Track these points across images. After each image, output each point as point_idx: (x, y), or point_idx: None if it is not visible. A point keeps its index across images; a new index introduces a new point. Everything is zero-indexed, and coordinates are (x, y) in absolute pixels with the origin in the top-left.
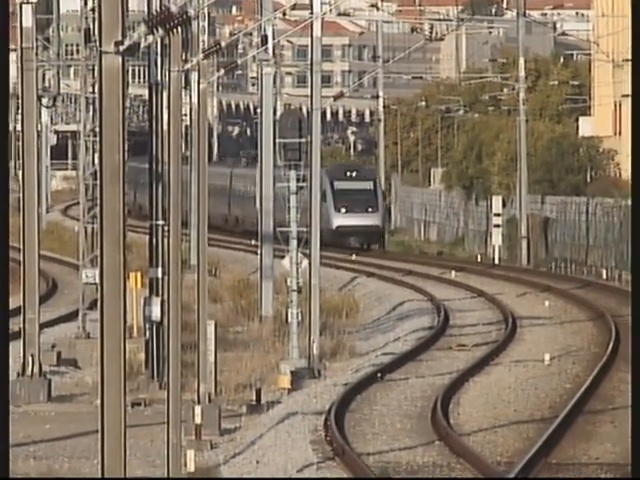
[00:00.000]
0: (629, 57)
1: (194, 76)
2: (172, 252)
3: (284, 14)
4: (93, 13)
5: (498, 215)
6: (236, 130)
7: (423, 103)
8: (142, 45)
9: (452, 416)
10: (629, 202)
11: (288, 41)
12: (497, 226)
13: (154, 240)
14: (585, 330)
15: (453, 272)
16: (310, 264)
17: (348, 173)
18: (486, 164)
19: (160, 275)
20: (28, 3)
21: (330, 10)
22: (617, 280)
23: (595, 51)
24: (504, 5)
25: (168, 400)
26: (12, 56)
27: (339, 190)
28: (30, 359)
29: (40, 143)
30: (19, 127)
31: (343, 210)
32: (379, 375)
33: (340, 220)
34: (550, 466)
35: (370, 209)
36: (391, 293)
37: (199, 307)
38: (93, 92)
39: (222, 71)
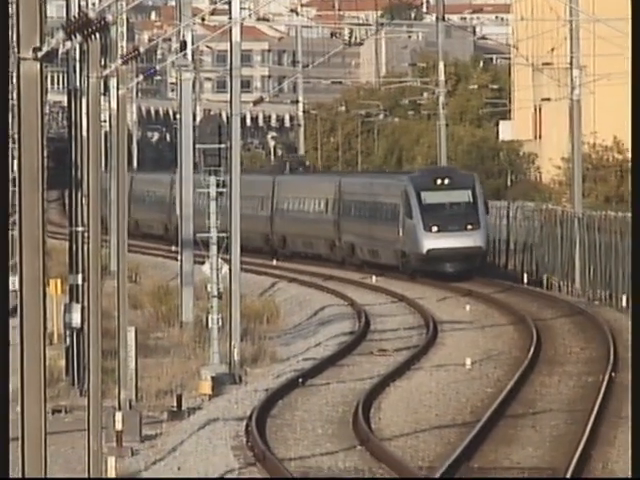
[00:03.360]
0: (548, 61)
1: (113, 82)
2: (92, 258)
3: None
4: (11, 19)
5: None
6: (156, 136)
7: (343, 108)
8: (61, 51)
9: (373, 421)
10: (550, 205)
11: (207, 46)
12: None
13: (74, 246)
14: (506, 334)
15: (374, 277)
16: (230, 270)
17: (439, 181)
18: (407, 168)
19: (80, 282)
20: None
21: (249, 15)
22: (538, 284)
23: (514, 55)
24: (423, 9)
25: (89, 407)
26: None
27: (429, 204)
28: None
29: None
30: None
31: (435, 229)
32: (300, 380)
33: (432, 242)
34: (472, 470)
35: (470, 226)
36: (312, 298)
37: (119, 313)
38: (12, 98)
39: (141, 77)
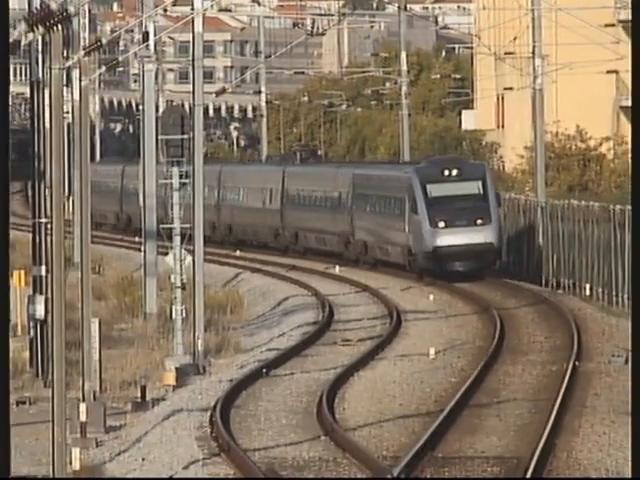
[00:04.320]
0: (511, 50)
1: (75, 73)
2: (55, 250)
3: (165, 10)
4: None
5: None
6: (118, 127)
7: (306, 98)
8: (23, 43)
9: (337, 411)
10: (512, 195)
11: (169, 37)
12: None
13: (37, 238)
14: (470, 323)
15: (337, 267)
16: (194, 260)
17: (447, 172)
18: (369, 158)
19: (44, 273)
20: None
21: (211, 6)
22: (501, 273)
23: (477, 44)
24: None
25: (53, 398)
26: None
27: (435, 197)
28: None
29: None
30: None
31: (442, 224)
32: (264, 371)
33: (439, 239)
34: (436, 460)
35: (480, 220)
36: (275, 288)
37: (83, 305)
38: None
39: (103, 68)
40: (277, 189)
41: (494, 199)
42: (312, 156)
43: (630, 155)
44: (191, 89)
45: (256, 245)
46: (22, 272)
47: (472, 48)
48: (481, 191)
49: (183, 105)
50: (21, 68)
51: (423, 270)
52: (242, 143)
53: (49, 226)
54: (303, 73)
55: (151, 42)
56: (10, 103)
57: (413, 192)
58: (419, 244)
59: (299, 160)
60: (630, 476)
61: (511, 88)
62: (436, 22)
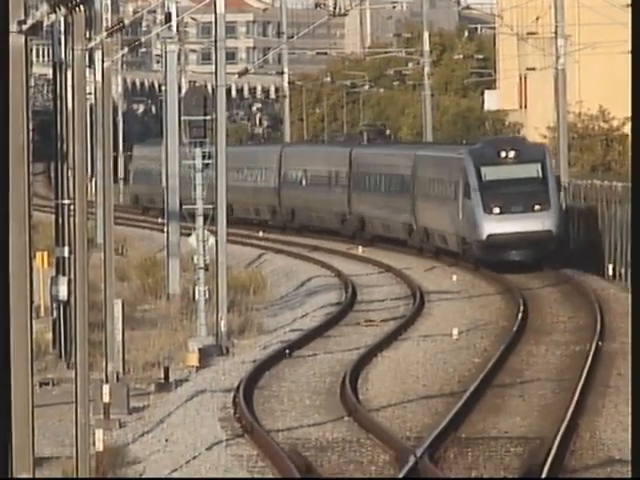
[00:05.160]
0: (533, 30)
1: (98, 54)
2: (78, 231)
3: None
4: None
5: None
6: (141, 108)
7: (328, 79)
8: (45, 24)
9: (361, 392)
10: None
11: (192, 18)
12: None
13: (60, 219)
14: (493, 304)
15: (360, 247)
16: (217, 241)
17: (503, 153)
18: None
19: (67, 254)
20: None
21: None
22: None
23: (499, 24)
24: None
25: (76, 379)
26: None
27: (490, 181)
28: None
29: None
30: None
31: (497, 210)
32: (287, 352)
33: (493, 226)
34: (460, 440)
35: (538, 206)
36: (298, 269)
37: (106, 286)
38: None
39: (126, 49)
40: (344, 172)
41: (554, 183)
42: (380, 136)
43: (630, 155)
44: (213, 70)
45: (319, 231)
46: (45, 253)
47: (494, 28)
48: (540, 174)
49: (206, 86)
50: (44, 49)
51: (478, 260)
52: (265, 124)
53: (72, 207)
54: (326, 54)
55: (173, 23)
56: (33, 84)
57: (466, 175)
58: (472, 232)
59: (366, 140)
60: (630, 476)
61: (534, 68)
62: (458, 2)
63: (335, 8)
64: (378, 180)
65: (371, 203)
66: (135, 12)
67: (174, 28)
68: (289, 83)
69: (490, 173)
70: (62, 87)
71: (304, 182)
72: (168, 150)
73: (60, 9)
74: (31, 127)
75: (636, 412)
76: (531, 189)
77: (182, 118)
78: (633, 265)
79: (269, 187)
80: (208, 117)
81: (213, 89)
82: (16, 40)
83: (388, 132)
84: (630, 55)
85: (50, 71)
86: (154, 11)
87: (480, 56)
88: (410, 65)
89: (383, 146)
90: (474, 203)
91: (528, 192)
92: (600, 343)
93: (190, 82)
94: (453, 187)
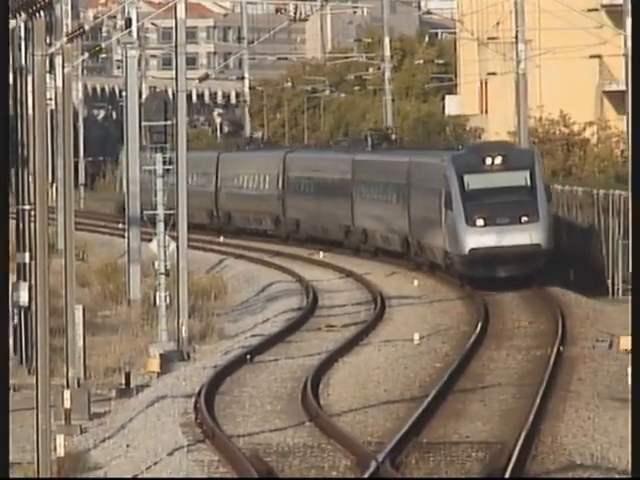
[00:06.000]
0: (494, 35)
1: (58, 60)
2: (39, 237)
3: None
4: None
5: None
6: (102, 114)
7: (289, 84)
8: None
9: (322, 397)
10: None
11: (152, 24)
12: None
13: (21, 225)
14: (454, 309)
15: (321, 253)
16: (178, 247)
17: (489, 160)
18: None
19: (27, 260)
20: None
21: None
22: None
23: (460, 29)
24: None
25: (37, 385)
26: None
27: (473, 190)
28: None
29: None
30: None
31: (480, 222)
32: (248, 357)
33: (476, 239)
34: (421, 445)
35: (525, 218)
36: (259, 274)
37: (67, 291)
38: None
39: (86, 55)
40: (345, 180)
41: (543, 193)
42: (385, 141)
43: (630, 154)
44: (174, 75)
45: (327, 243)
46: None
47: (455, 33)
48: (528, 183)
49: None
50: None
51: (462, 276)
52: (225, 129)
53: (32, 213)
54: (286, 59)
55: (134, 28)
56: None
57: (448, 184)
58: (454, 246)
59: (370, 146)
60: (630, 476)
61: (494, 73)
62: (419, 7)
63: (296, 13)
64: (378, 190)
65: (371, 214)
66: (95, 18)
67: (134, 33)
68: (250, 88)
69: (474, 182)
70: (22, 92)
71: (308, 190)
72: (129, 156)
73: (20, 15)
74: None
75: (636, 413)
76: (518, 199)
77: (143, 123)
78: (634, 269)
79: (272, 195)
80: (169, 122)
81: (174, 94)
82: None
83: (394, 137)
84: (630, 58)
85: (10, 76)
86: (114, 17)
87: (441, 61)
88: (371, 70)
89: (383, 152)
90: (455, 214)
91: (515, 202)
92: (561, 348)
93: (151, 87)
94: (437, 197)
